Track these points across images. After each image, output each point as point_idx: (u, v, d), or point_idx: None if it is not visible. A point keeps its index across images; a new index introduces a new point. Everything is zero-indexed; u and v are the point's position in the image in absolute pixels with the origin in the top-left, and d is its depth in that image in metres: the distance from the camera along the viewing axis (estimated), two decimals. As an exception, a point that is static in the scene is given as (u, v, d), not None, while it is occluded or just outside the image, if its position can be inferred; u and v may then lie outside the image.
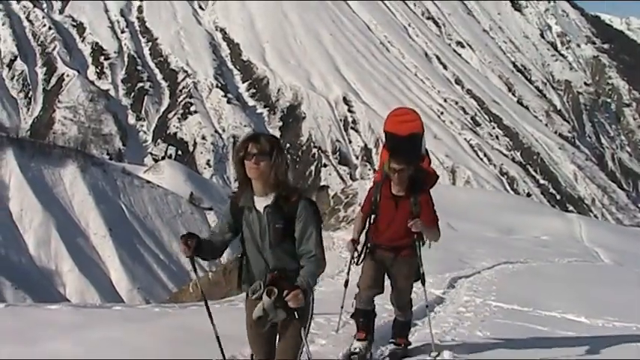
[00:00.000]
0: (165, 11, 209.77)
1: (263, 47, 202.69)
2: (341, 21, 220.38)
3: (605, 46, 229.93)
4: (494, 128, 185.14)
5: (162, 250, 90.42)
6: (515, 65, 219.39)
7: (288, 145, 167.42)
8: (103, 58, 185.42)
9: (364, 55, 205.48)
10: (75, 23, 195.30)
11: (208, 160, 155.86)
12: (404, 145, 4.99)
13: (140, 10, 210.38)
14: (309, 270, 3.37)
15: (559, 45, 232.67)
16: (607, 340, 6.34)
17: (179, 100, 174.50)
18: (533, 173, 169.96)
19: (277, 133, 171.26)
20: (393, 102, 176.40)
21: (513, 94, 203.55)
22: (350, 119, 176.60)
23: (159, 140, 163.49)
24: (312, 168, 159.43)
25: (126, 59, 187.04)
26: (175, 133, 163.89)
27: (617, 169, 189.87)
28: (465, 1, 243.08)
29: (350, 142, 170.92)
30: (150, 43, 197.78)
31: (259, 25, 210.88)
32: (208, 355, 4.39)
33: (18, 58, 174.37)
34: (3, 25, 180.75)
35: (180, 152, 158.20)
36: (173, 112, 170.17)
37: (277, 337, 3.57)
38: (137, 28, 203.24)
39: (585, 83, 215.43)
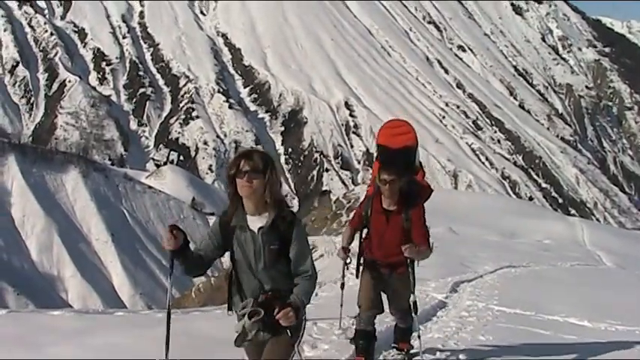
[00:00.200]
0: (166, 16, 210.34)
1: (264, 52, 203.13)
2: (342, 25, 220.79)
3: (607, 49, 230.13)
4: (495, 132, 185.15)
5: (164, 255, 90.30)
6: (516, 69, 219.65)
7: (290, 149, 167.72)
8: (104, 63, 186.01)
9: (365, 59, 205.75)
10: (76, 29, 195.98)
11: (210, 166, 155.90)
12: (397, 158, 4.85)
13: (142, 15, 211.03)
14: (304, 288, 3.28)
15: (560, 49, 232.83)
16: (610, 343, 6.33)
17: (181, 105, 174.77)
18: (535, 177, 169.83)
19: (279, 138, 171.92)
20: (394, 106, 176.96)
21: (515, 98, 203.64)
22: (352, 124, 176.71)
23: (161, 146, 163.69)
24: (314, 173, 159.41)
25: (127, 65, 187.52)
26: (177, 139, 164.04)
27: (619, 173, 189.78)
28: (467, 4, 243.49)
29: (352, 146, 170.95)
30: (151, 49, 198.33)
31: (260, 29, 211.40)
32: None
33: (20, 64, 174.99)
34: (5, 31, 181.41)
35: (182, 157, 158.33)
36: (175, 118, 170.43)
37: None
38: (139, 33, 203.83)
39: (587, 87, 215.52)
